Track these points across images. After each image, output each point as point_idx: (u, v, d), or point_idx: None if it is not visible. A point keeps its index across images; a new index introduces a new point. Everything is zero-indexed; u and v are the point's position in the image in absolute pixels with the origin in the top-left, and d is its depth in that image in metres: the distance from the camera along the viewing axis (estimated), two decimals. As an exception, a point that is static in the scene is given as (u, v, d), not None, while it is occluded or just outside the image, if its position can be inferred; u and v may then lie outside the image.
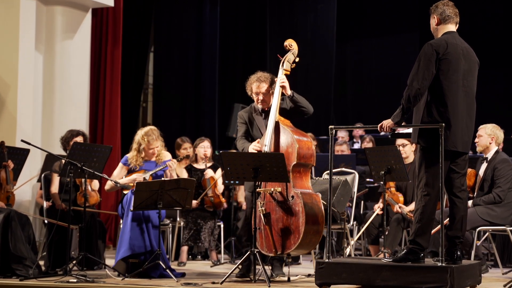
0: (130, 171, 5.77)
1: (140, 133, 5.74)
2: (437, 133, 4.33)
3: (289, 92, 5.19)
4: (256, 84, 5.31)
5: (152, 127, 5.82)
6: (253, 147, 5.19)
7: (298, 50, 5.40)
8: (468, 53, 4.55)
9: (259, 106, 5.39)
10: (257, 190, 5.06)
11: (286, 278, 5.20)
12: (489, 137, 5.88)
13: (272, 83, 5.31)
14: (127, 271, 5.40)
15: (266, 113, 5.37)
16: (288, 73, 5.31)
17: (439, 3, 4.59)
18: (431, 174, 4.42)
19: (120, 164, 5.84)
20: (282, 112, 5.27)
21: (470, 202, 5.71)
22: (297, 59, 5.34)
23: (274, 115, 5.16)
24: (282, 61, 5.32)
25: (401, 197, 6.21)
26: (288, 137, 5.12)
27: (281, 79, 5.20)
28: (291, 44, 5.39)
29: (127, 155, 5.84)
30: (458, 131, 4.44)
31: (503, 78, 12.01)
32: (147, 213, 5.49)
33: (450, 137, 4.41)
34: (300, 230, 4.92)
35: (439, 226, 4.66)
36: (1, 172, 6.11)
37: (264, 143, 5.13)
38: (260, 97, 5.31)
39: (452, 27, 4.57)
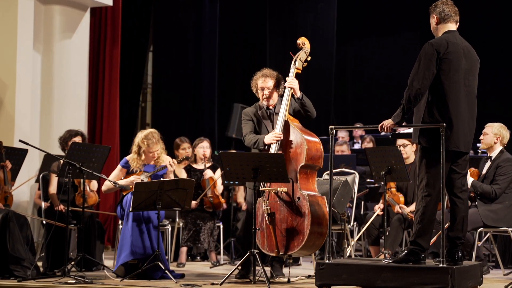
0: (128, 173, 5.74)
1: (140, 135, 5.69)
2: (438, 133, 4.31)
3: (298, 93, 5.17)
4: (262, 79, 5.29)
5: (153, 130, 5.78)
6: (272, 137, 5.10)
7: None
8: (469, 52, 4.53)
9: (264, 103, 5.35)
10: (262, 188, 5.03)
11: (286, 279, 5.17)
12: (494, 136, 5.87)
13: (277, 80, 5.29)
14: (126, 273, 5.36)
15: (271, 111, 5.35)
16: (300, 71, 5.30)
17: (438, 2, 4.57)
18: (432, 174, 4.40)
19: (119, 166, 5.80)
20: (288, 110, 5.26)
21: (469, 182, 5.66)
22: (309, 58, 5.33)
23: (283, 114, 5.13)
24: (294, 59, 5.30)
25: (401, 198, 6.18)
26: (298, 137, 5.08)
27: (289, 81, 5.17)
28: (304, 42, 5.36)
29: (127, 157, 5.80)
30: (460, 131, 4.42)
31: (503, 78, 11.98)
32: (147, 214, 5.46)
33: (452, 137, 4.38)
34: (305, 232, 4.90)
35: (440, 232, 4.65)
36: (-1, 173, 6.08)
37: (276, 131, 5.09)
38: (266, 92, 5.28)
39: (452, 26, 4.55)
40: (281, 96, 5.32)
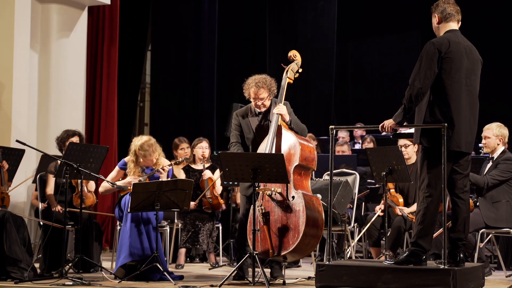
0: (126, 175, 5.70)
1: (136, 144, 5.63)
2: (440, 133, 4.30)
3: (287, 118, 5.22)
4: (254, 90, 5.30)
5: (147, 138, 5.67)
6: None
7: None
8: (471, 52, 4.51)
9: (257, 110, 5.38)
10: (256, 189, 4.99)
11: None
12: (496, 138, 5.84)
13: (270, 89, 5.32)
14: (126, 275, 5.32)
15: (261, 115, 5.38)
16: (291, 81, 5.39)
17: (439, 2, 4.56)
18: (433, 175, 4.39)
19: (117, 168, 5.77)
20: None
21: None
22: (300, 70, 5.43)
23: (274, 128, 5.12)
24: (286, 70, 5.39)
25: (400, 199, 6.13)
26: (291, 139, 5.11)
27: (278, 108, 5.18)
28: (295, 55, 5.49)
29: (125, 159, 5.77)
30: (462, 131, 4.39)
31: (504, 76, 11.96)
32: (146, 215, 5.42)
33: (454, 137, 4.35)
34: (300, 230, 4.87)
35: (441, 229, 4.60)
36: (-4, 173, 6.04)
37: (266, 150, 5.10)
38: (259, 103, 5.33)
39: (454, 25, 4.54)
40: (275, 97, 5.37)
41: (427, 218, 4.39)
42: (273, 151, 5.07)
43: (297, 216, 4.90)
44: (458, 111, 4.37)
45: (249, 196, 5.24)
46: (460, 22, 4.59)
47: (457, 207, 4.49)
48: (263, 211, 4.99)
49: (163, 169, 5.61)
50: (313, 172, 6.67)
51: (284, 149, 5.09)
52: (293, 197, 4.95)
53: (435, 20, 4.56)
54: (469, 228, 4.61)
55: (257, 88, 5.27)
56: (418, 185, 4.52)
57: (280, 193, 4.99)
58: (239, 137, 5.42)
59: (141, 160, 5.63)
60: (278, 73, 5.50)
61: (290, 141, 5.10)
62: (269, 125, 5.22)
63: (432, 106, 4.39)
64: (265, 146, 5.11)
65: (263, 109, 5.35)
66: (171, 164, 5.74)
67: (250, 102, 5.44)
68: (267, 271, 5.22)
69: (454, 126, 4.34)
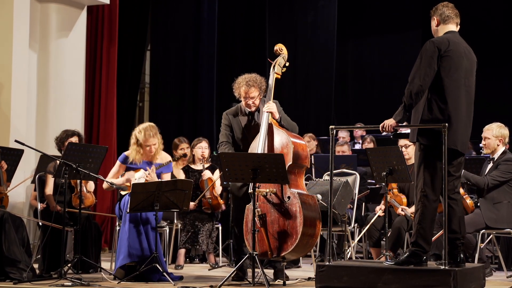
0: (127, 170, 5.67)
1: (138, 128, 5.67)
2: (437, 131, 4.29)
3: (277, 116, 5.19)
4: (245, 89, 5.28)
5: (151, 123, 5.74)
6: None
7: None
8: (470, 52, 4.55)
9: (247, 109, 5.36)
10: (250, 191, 4.98)
11: (288, 282, 5.10)
12: (496, 139, 5.83)
13: (261, 87, 5.29)
14: (126, 276, 5.30)
15: (251, 114, 5.36)
16: (279, 76, 5.36)
17: (438, 5, 4.60)
18: (430, 174, 4.39)
19: (118, 162, 5.75)
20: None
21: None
22: (287, 64, 5.40)
23: (265, 127, 5.10)
24: (273, 65, 5.37)
25: (404, 199, 6.11)
26: (283, 138, 5.08)
27: (267, 106, 5.16)
28: (281, 48, 5.45)
29: (125, 152, 5.76)
30: (459, 130, 4.42)
31: (505, 76, 11.94)
32: (145, 216, 5.40)
33: (450, 135, 4.35)
34: (298, 231, 4.85)
35: (441, 231, 4.58)
36: (-5, 173, 6.01)
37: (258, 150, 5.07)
38: (249, 102, 5.30)
39: (452, 27, 4.57)
40: (264, 96, 5.36)
41: (425, 217, 4.39)
42: (266, 150, 5.04)
43: (295, 217, 4.88)
44: (456, 109, 4.38)
45: (242, 197, 5.22)
46: (459, 26, 4.62)
47: (450, 208, 4.46)
48: (260, 213, 4.96)
49: (145, 171, 5.59)
50: (313, 172, 6.68)
51: (276, 148, 5.07)
52: (288, 197, 4.93)
53: (434, 23, 4.59)
54: (465, 227, 4.59)
55: (248, 87, 5.25)
56: (415, 184, 4.50)
57: (275, 194, 4.97)
58: (229, 136, 5.39)
59: (141, 142, 5.57)
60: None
61: (282, 140, 5.07)
62: (260, 124, 5.20)
63: (430, 103, 4.40)
64: (257, 145, 5.09)
65: (253, 108, 5.32)
66: (170, 161, 5.73)
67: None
68: (270, 272, 5.20)
69: (451, 123, 4.34)
